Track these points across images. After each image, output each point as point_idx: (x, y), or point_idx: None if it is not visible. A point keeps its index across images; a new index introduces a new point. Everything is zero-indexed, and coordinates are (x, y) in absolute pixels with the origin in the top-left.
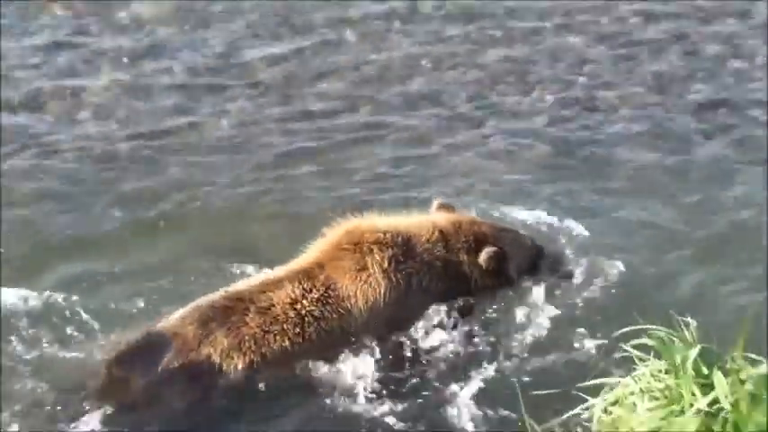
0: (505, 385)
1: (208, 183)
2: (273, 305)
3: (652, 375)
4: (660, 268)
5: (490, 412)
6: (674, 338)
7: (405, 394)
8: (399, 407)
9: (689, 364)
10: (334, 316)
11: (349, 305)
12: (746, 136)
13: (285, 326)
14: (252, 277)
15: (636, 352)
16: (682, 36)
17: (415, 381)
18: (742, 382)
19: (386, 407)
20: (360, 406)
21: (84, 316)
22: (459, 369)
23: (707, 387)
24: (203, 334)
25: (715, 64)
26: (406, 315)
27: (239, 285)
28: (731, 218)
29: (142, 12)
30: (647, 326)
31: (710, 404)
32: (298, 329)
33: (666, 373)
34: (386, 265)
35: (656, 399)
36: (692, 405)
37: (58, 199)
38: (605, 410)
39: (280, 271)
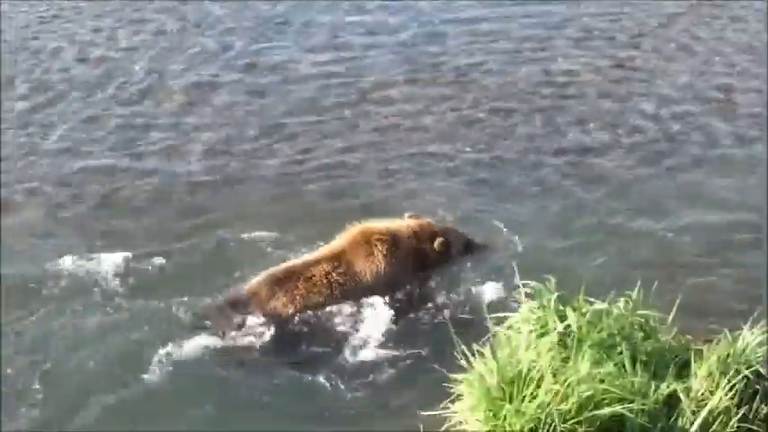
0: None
1: None
2: (314, 275)
3: (530, 311)
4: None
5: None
6: (543, 289)
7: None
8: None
9: (551, 304)
10: (352, 283)
11: (361, 277)
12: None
13: (321, 289)
14: (302, 256)
15: (522, 297)
16: None
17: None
18: (583, 314)
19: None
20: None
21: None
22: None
23: (563, 317)
24: (271, 294)
25: None
26: (395, 281)
27: (293, 261)
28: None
29: None
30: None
31: (565, 328)
32: (328, 291)
33: (538, 309)
34: (384, 252)
35: (532, 325)
36: (554, 329)
37: None
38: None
39: (317, 253)
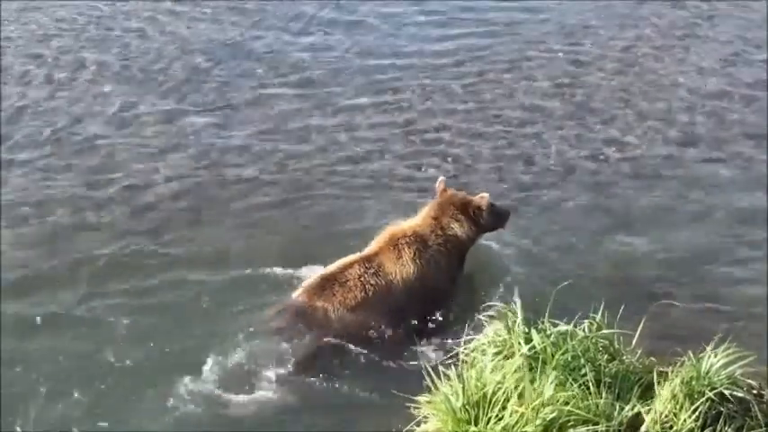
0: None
1: None
2: (348, 280)
3: (495, 333)
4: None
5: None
6: (508, 311)
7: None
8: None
9: (517, 326)
10: (383, 283)
11: (392, 279)
12: None
13: (355, 292)
14: (339, 260)
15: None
16: None
17: None
18: (548, 336)
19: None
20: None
21: None
22: None
23: (528, 339)
24: (313, 298)
25: None
26: (426, 284)
27: (331, 267)
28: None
29: None
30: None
31: (530, 350)
32: (363, 293)
33: (504, 331)
34: (412, 255)
35: (498, 347)
36: (519, 350)
37: None
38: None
39: (352, 257)
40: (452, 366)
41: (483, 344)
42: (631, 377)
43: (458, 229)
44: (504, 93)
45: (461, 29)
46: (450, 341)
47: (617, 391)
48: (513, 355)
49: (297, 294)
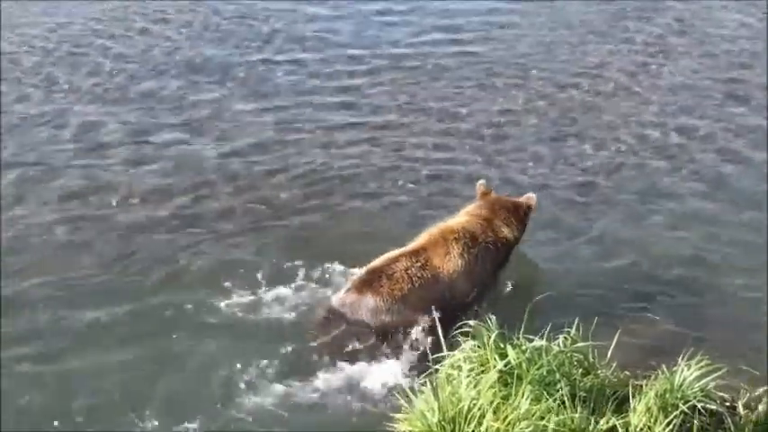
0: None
1: None
2: (395, 272)
3: (470, 349)
4: None
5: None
6: (483, 327)
7: None
8: None
9: (491, 342)
10: (429, 276)
11: (439, 272)
12: None
13: (401, 284)
14: (387, 254)
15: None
16: None
17: None
18: (523, 352)
19: None
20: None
21: None
22: None
23: (503, 355)
24: (362, 290)
25: None
26: (472, 279)
27: (378, 261)
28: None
29: None
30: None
31: (505, 365)
32: (409, 285)
33: (478, 348)
34: (460, 250)
35: (473, 363)
36: (494, 366)
37: None
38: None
39: (400, 251)
40: (428, 383)
41: (458, 360)
42: (606, 391)
43: (507, 231)
44: (479, 109)
45: (435, 48)
46: (426, 357)
47: (592, 405)
48: (488, 370)
49: (344, 288)
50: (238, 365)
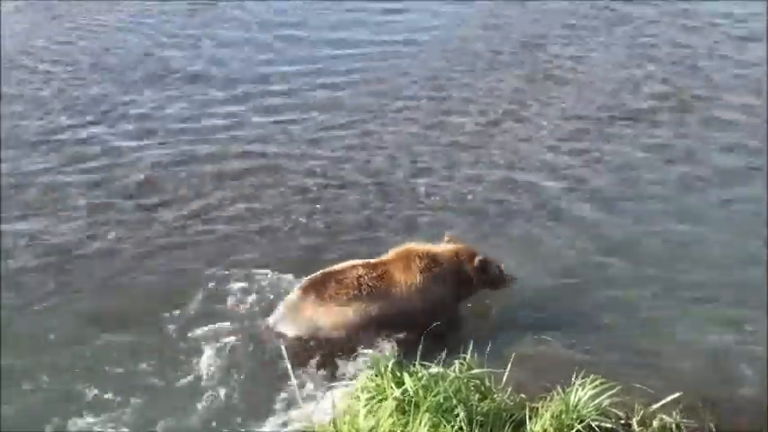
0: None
1: None
2: (346, 277)
3: (368, 378)
4: None
5: None
6: (380, 356)
7: None
8: None
9: (388, 371)
10: (383, 286)
11: (396, 285)
12: None
13: (347, 289)
14: (346, 262)
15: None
16: None
17: None
18: (419, 379)
19: None
20: None
21: None
22: None
23: (400, 383)
24: (310, 290)
25: None
26: (427, 298)
27: (335, 267)
28: None
29: None
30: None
31: (402, 393)
32: (356, 291)
33: (375, 376)
34: (422, 267)
35: (371, 392)
36: (391, 395)
37: None
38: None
39: (360, 261)
40: (326, 413)
41: (356, 389)
42: (503, 414)
43: (470, 269)
44: (371, 141)
45: (327, 78)
46: (323, 388)
47: (490, 429)
48: (386, 399)
49: (296, 287)
50: None
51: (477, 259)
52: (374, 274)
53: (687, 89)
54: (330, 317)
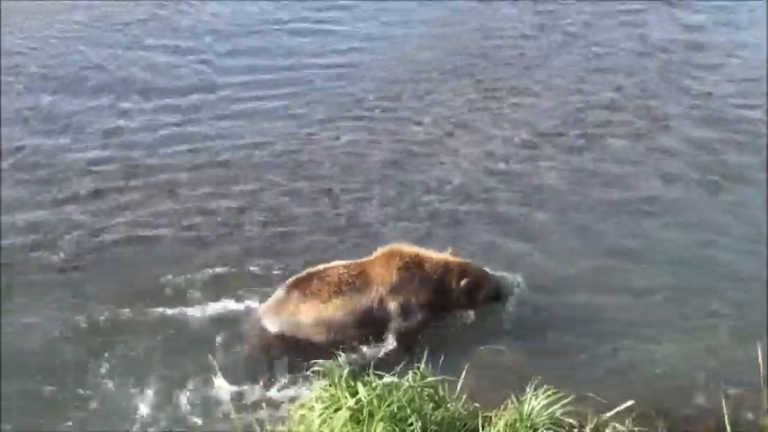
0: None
1: None
2: (328, 275)
3: (322, 388)
4: None
5: None
6: (333, 366)
7: None
8: None
9: (342, 381)
10: (361, 283)
11: (372, 280)
12: None
13: (329, 286)
14: (330, 263)
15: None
16: None
17: None
18: (374, 389)
19: None
20: None
21: None
22: None
23: (354, 393)
24: (294, 288)
25: None
26: (407, 296)
27: (319, 267)
28: None
29: None
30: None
31: (356, 403)
32: (336, 288)
33: (330, 386)
34: (400, 265)
35: (325, 402)
36: (345, 404)
37: None
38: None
39: (344, 262)
40: (280, 423)
41: (310, 399)
42: (457, 423)
43: (454, 285)
44: (323, 151)
45: (279, 88)
46: (278, 397)
47: None
48: (340, 409)
49: (283, 285)
50: None
51: (464, 281)
52: (354, 273)
53: (639, 109)
54: (311, 313)
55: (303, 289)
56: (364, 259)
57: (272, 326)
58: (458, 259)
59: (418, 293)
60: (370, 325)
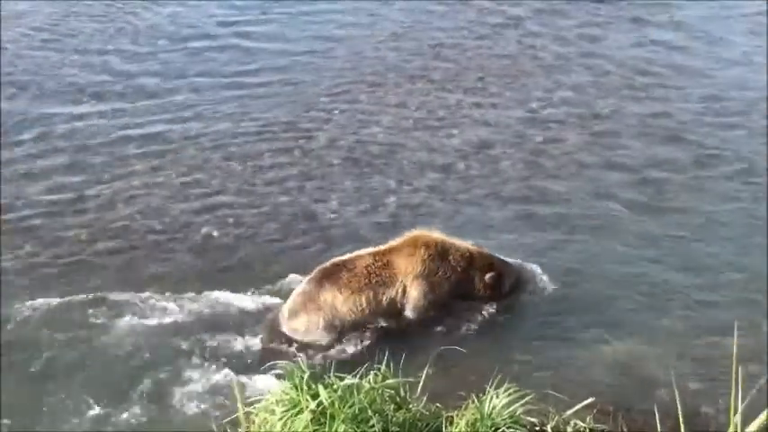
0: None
1: None
2: (356, 266)
3: (282, 392)
4: None
5: None
6: (295, 368)
7: None
8: None
9: (304, 383)
10: (388, 274)
11: (398, 271)
12: None
13: (359, 278)
14: (355, 252)
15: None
16: None
17: None
18: (335, 390)
19: None
20: None
21: None
22: None
23: (315, 395)
24: (322, 281)
25: None
26: (431, 287)
27: (344, 257)
28: None
29: None
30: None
31: (318, 405)
32: (366, 280)
33: (291, 389)
34: (425, 256)
35: (286, 405)
36: (306, 407)
37: None
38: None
39: (368, 250)
40: (241, 426)
41: (271, 402)
42: (419, 424)
43: (478, 279)
44: (282, 153)
45: (236, 90)
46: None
47: None
48: (302, 411)
49: (307, 278)
50: None
51: (488, 275)
52: (380, 263)
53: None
54: (346, 304)
55: (334, 281)
56: (388, 246)
57: (300, 322)
58: (482, 250)
59: (441, 288)
60: (397, 315)
